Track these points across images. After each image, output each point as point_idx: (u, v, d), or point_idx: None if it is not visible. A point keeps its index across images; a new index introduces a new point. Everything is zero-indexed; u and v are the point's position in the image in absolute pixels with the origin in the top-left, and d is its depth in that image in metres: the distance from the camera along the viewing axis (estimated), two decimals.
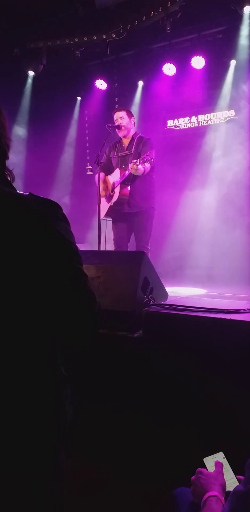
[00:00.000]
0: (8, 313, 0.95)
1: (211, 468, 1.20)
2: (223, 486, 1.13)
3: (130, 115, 4.33)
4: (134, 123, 4.38)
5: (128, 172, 4.02)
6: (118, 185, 4.12)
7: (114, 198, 4.16)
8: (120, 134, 4.29)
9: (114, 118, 4.34)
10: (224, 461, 1.23)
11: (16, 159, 6.33)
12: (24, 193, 1.06)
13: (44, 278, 0.97)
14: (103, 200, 4.25)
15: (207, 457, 1.24)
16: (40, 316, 0.98)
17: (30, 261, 0.96)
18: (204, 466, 1.23)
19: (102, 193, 4.22)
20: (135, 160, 3.88)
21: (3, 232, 0.95)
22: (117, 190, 4.15)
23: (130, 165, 3.91)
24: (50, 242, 0.98)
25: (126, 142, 4.32)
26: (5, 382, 0.94)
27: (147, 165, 3.91)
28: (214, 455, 1.24)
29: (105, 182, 4.30)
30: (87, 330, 1.02)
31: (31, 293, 0.97)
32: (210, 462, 1.23)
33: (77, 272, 1.02)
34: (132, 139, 4.28)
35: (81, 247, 6.10)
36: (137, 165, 3.84)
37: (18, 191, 1.06)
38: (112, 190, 4.23)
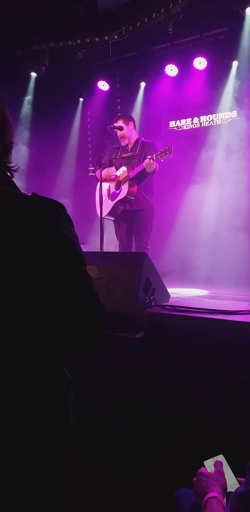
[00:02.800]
0: (10, 313, 0.96)
1: (212, 470, 1.20)
2: (224, 486, 1.13)
3: (127, 121, 4.26)
4: (134, 126, 4.33)
5: (140, 168, 3.98)
6: (127, 182, 4.10)
7: (122, 195, 4.13)
8: (123, 143, 4.29)
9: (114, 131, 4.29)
10: (225, 463, 1.23)
11: (18, 160, 6.33)
12: (27, 194, 1.06)
13: (48, 279, 0.97)
14: (106, 198, 4.23)
15: (207, 460, 1.24)
16: (42, 317, 0.98)
17: (34, 262, 0.96)
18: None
19: (104, 191, 4.21)
20: (150, 156, 3.86)
21: (7, 232, 0.95)
22: (125, 187, 4.11)
23: (146, 161, 3.87)
24: (54, 243, 0.98)
25: (129, 145, 4.32)
26: (5, 382, 0.94)
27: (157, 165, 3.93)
28: (214, 458, 1.24)
29: (110, 179, 4.27)
30: (90, 332, 1.02)
31: (34, 294, 0.97)
32: (210, 465, 1.23)
33: (81, 274, 1.02)
34: (136, 142, 4.28)
35: (84, 248, 6.06)
36: (153, 160, 3.82)
37: (21, 191, 1.06)
38: (118, 187, 4.22)
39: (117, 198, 4.17)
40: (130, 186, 4.09)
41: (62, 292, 0.99)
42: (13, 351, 0.96)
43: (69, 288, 0.99)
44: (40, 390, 0.98)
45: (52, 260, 0.98)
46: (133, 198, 4.11)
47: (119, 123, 4.25)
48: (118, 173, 4.26)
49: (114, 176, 4.27)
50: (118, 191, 4.20)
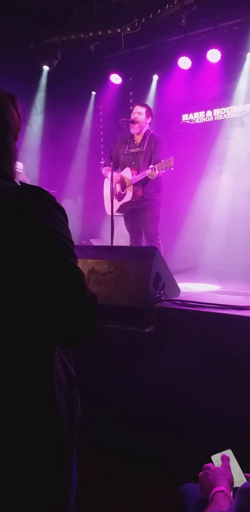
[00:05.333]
0: (4, 313, 0.95)
1: (219, 465, 1.19)
2: (231, 481, 1.12)
3: (149, 114, 4.31)
4: (150, 123, 4.35)
5: (143, 175, 4.01)
6: (131, 186, 4.12)
7: (127, 198, 4.18)
8: (133, 130, 4.28)
9: (133, 111, 4.34)
10: (232, 458, 1.22)
11: (31, 154, 6.38)
12: (16, 184, 1.03)
13: (32, 273, 0.93)
14: (113, 197, 4.25)
15: (214, 455, 1.24)
16: (33, 313, 0.96)
17: (16, 255, 0.93)
18: (212, 463, 1.22)
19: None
20: (152, 166, 3.88)
21: (10, 221, 0.94)
22: (129, 190, 4.15)
23: (148, 171, 3.91)
24: (37, 234, 0.94)
25: (138, 138, 4.31)
26: (7, 379, 0.95)
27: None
28: (222, 452, 1.24)
29: (114, 179, 4.28)
30: (79, 325, 0.96)
31: (20, 290, 0.94)
32: (217, 459, 1.23)
33: (65, 265, 0.96)
34: (144, 136, 4.27)
35: (95, 242, 6.14)
36: (155, 171, 3.84)
37: (12, 183, 1.03)
38: (124, 189, 4.23)
39: (123, 200, 4.23)
40: (134, 190, 4.12)
41: (48, 285, 0.94)
42: (10, 349, 0.95)
43: (52, 281, 0.94)
44: (45, 387, 0.98)
45: (35, 252, 0.94)
46: (139, 199, 4.16)
47: (142, 109, 4.28)
48: (123, 174, 4.28)
49: (118, 178, 4.27)
50: (124, 192, 4.23)
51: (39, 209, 0.96)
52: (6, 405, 0.94)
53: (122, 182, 4.25)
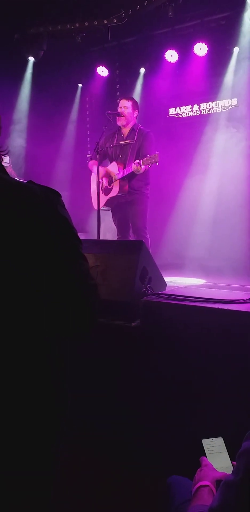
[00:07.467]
0: (16, 302, 0.95)
1: (208, 451, 1.19)
2: (218, 478, 1.12)
3: (135, 107, 4.29)
4: (136, 116, 4.34)
5: (129, 170, 4.00)
6: (118, 181, 4.11)
7: (114, 193, 4.17)
8: (119, 122, 4.25)
9: (119, 105, 4.31)
10: (223, 447, 1.23)
11: (16, 146, 6.28)
12: (24, 181, 1.05)
13: (51, 265, 0.97)
14: (100, 191, 4.24)
15: (205, 439, 1.24)
16: (44, 304, 0.98)
17: (38, 247, 0.96)
18: (203, 451, 1.22)
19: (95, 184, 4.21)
20: (138, 161, 3.87)
21: (12, 221, 0.94)
22: (116, 185, 4.13)
23: (133, 166, 3.90)
24: (58, 228, 1.00)
25: (125, 131, 4.29)
26: (6, 373, 0.94)
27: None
28: (213, 438, 1.24)
29: (101, 173, 4.26)
30: (91, 317, 1.03)
31: (37, 279, 0.96)
32: (208, 444, 1.22)
33: (82, 259, 1.04)
34: (133, 130, 4.26)
35: (81, 236, 6.08)
36: (141, 166, 3.84)
37: (17, 179, 1.05)
38: (110, 184, 4.21)
39: (110, 195, 4.21)
40: (121, 185, 4.11)
41: (64, 278, 0.99)
42: (14, 342, 0.95)
43: (72, 273, 1.00)
44: (47, 385, 0.98)
45: (56, 245, 0.98)
46: (126, 194, 4.15)
47: (128, 103, 4.26)
48: (109, 169, 4.26)
49: (105, 172, 4.25)
50: (110, 187, 4.21)
51: (60, 207, 1.02)
52: (6, 404, 0.93)
53: (109, 177, 4.23)
